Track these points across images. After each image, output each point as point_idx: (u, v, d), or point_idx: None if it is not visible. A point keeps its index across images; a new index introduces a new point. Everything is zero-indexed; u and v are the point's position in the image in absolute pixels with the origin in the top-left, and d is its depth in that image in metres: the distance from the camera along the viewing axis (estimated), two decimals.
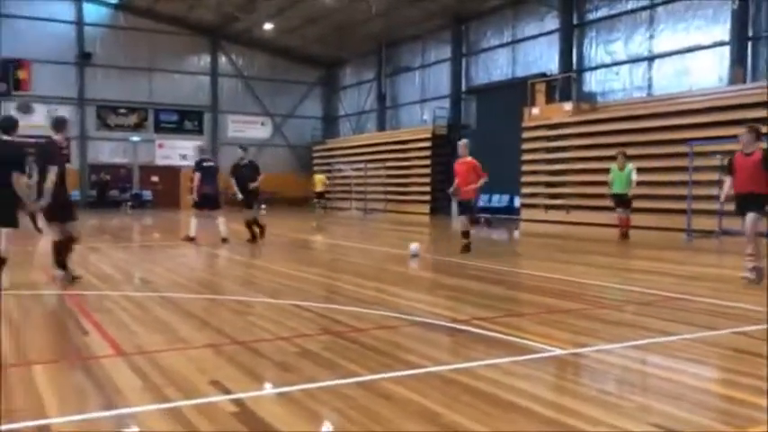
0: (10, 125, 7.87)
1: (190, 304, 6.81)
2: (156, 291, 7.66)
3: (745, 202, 8.35)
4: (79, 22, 31.66)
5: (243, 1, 29.21)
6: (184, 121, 34.40)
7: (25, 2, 30.33)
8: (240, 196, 14.21)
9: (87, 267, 9.39)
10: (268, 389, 4.03)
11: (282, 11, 29.23)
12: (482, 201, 25.48)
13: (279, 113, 36.41)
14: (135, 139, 33.05)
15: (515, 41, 25.50)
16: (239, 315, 6.37)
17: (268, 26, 31.64)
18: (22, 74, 29.97)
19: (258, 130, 36.16)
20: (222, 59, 35.15)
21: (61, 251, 8.17)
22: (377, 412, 3.53)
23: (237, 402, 3.66)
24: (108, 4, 32.23)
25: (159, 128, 33.77)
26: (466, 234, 11.82)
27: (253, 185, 14.28)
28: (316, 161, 35.71)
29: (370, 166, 30.73)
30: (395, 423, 3.39)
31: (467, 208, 12.07)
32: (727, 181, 8.80)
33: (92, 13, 32.01)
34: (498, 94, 25.45)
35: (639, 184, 14.52)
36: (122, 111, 32.88)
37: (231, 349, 4.91)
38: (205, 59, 34.86)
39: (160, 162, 33.74)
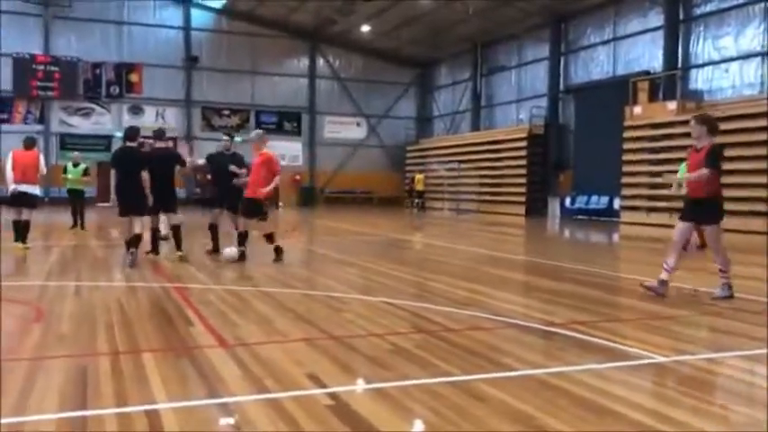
0: (133, 134, 9.90)
1: (286, 299, 7.00)
2: (255, 285, 7.93)
3: (692, 209, 7.21)
4: (186, 28, 33.11)
5: (341, 4, 29.71)
6: (283, 122, 35.34)
7: (138, 9, 32.09)
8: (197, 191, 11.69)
9: (192, 262, 9.81)
10: (362, 384, 4.10)
11: (379, 13, 29.51)
12: (580, 202, 24.96)
13: (374, 114, 36.79)
14: (237, 139, 34.09)
15: (617, 39, 24.69)
16: (333, 311, 6.49)
17: (365, 28, 32.04)
18: (134, 77, 31.63)
19: (354, 130, 36.68)
20: (320, 62, 35.87)
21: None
22: (471, 413, 3.52)
23: (333, 396, 3.75)
24: (213, 10, 33.54)
25: (260, 128, 34.80)
26: (243, 237, 10.11)
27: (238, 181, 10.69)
28: (409, 161, 35.87)
29: (463, 166, 30.57)
30: (488, 424, 3.38)
31: (251, 208, 10.02)
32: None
33: (198, 18, 33.42)
34: (598, 92, 24.74)
35: (745, 186, 13.64)
36: (226, 112, 34.14)
37: (326, 344, 5.03)
38: (303, 62, 35.68)
39: None
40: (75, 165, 15.97)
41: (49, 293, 7.27)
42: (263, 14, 32.80)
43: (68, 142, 30.86)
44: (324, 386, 3.93)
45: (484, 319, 6.05)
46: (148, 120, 31.52)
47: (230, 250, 10.02)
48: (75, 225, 15.41)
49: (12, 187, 11.40)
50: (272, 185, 9.97)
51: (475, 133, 31.90)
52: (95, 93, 31.36)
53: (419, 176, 32.65)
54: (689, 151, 7.53)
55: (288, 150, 35.40)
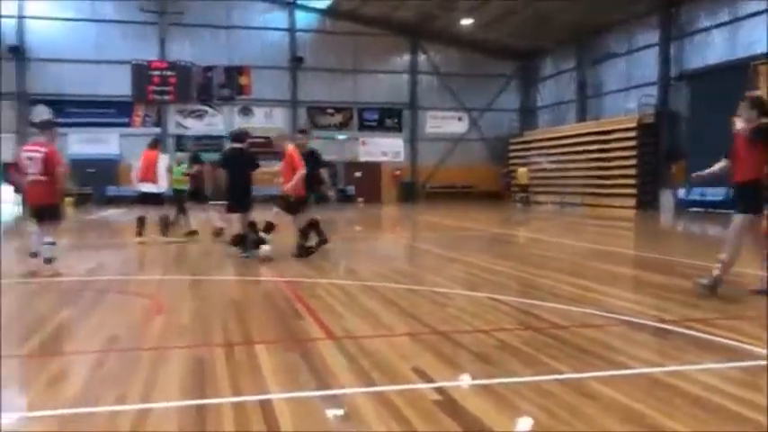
0: (240, 136, 10.59)
1: (391, 293, 7.07)
2: (360, 280, 8.05)
3: (736, 196, 6.69)
4: (291, 29, 34.01)
5: None
6: (385, 118, 35.67)
7: (245, 13, 33.26)
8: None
9: (300, 258, 10.08)
10: (469, 380, 4.08)
11: (480, 5, 29.20)
12: (695, 194, 23.74)
13: (475, 107, 36.46)
14: (341, 137, 34.87)
15: (734, 20, 23.29)
16: (438, 305, 6.50)
17: (465, 22, 31.78)
18: (243, 80, 32.79)
19: (455, 125, 36.50)
20: (421, 57, 35.92)
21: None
22: (582, 411, 3.44)
23: (440, 391, 3.76)
24: (316, 11, 34.27)
25: (362, 126, 35.34)
26: (304, 234, 10.13)
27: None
28: (512, 154, 35.31)
29: (568, 158, 29.78)
30: (600, 423, 3.29)
31: (293, 207, 10.01)
32: (719, 164, 7.02)
33: (302, 19, 34.25)
34: (714, 78, 23.42)
35: None
36: (330, 111, 34.81)
37: (431, 338, 5.04)
38: (405, 58, 35.83)
39: (363, 159, 35.31)
40: (180, 164, 16.78)
41: (167, 287, 7.68)
42: (365, 13, 33.17)
43: (183, 143, 32.43)
44: (430, 381, 3.95)
45: (593, 315, 5.88)
46: (258, 120, 32.64)
47: (266, 248, 9.79)
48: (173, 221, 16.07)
49: (135, 186, 12.32)
50: (293, 182, 9.76)
51: (581, 124, 30.99)
52: (208, 95, 32.76)
53: (522, 170, 32.07)
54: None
55: (390, 147, 35.74)
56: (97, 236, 14.32)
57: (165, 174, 12.53)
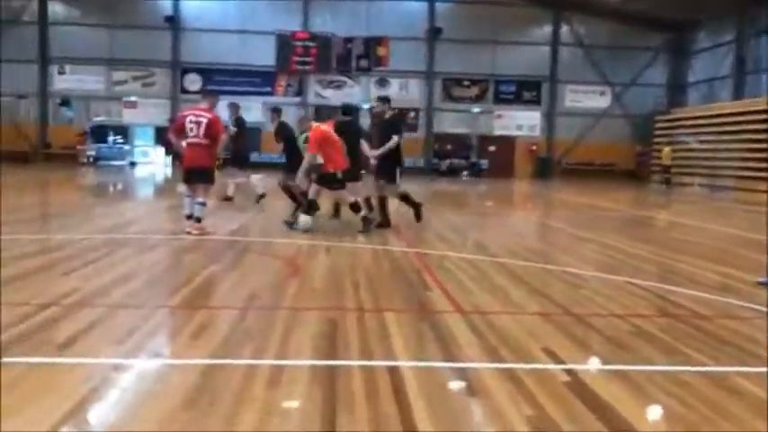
0: (352, 110, 10.87)
1: (521, 271, 6.96)
2: (490, 255, 7.98)
3: None
4: (431, 0, 33.81)
5: None
6: (522, 91, 34.82)
7: None
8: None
9: (429, 230, 10.15)
10: (601, 364, 3.96)
11: None
12: None
13: (619, 82, 34.75)
14: (476, 110, 34.49)
15: None
16: (570, 286, 6.33)
17: None
18: (381, 51, 33.07)
19: (596, 99, 35.02)
20: (563, 29, 34.63)
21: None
22: (724, 407, 3.25)
23: (569, 372, 3.68)
24: None
25: (498, 99, 34.71)
26: (355, 209, 9.54)
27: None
28: (657, 132, 33.41)
29: (721, 138, 27.78)
30: (743, 421, 3.10)
31: (349, 177, 9.61)
32: None
33: None
34: None
35: None
36: (466, 83, 34.46)
37: (562, 320, 4.93)
38: (546, 30, 34.69)
39: (498, 132, 34.78)
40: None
41: (303, 251, 7.98)
42: None
43: (322, 113, 33.32)
44: (561, 362, 3.87)
45: (738, 306, 5.51)
46: (393, 91, 32.89)
47: (305, 218, 9.51)
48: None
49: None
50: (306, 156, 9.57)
51: (736, 102, 28.79)
52: (347, 66, 33.36)
53: (666, 149, 30.33)
54: None
55: (525, 120, 34.93)
56: (242, 198, 15.04)
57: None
